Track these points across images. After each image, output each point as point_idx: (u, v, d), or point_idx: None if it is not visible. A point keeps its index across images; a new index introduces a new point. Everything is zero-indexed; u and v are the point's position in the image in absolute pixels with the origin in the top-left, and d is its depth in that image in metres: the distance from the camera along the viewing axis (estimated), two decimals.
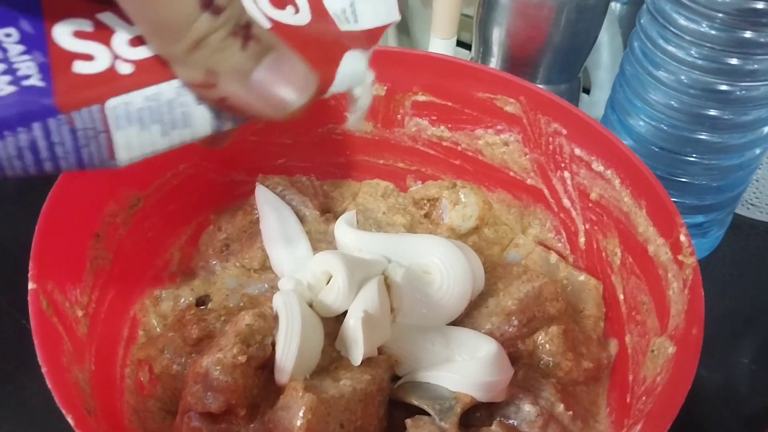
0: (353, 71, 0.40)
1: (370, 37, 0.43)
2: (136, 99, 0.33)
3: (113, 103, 0.33)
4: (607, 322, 0.66)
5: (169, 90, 0.34)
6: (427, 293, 0.61)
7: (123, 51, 0.34)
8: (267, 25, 0.37)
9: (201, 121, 0.36)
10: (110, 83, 0.33)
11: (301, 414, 0.51)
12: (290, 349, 0.55)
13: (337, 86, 0.40)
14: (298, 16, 0.39)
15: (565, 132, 0.68)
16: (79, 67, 0.33)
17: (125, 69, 0.33)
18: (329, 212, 0.72)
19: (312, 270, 0.62)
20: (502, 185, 0.75)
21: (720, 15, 0.63)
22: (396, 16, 0.44)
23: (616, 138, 0.64)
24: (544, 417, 0.57)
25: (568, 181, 0.69)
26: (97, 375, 0.55)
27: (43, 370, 0.46)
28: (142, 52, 0.34)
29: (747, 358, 0.77)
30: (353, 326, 0.56)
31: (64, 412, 0.44)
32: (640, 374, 0.58)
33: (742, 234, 0.88)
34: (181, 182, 0.71)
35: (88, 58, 0.33)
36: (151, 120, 0.35)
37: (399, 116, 0.76)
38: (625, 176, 0.63)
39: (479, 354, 0.58)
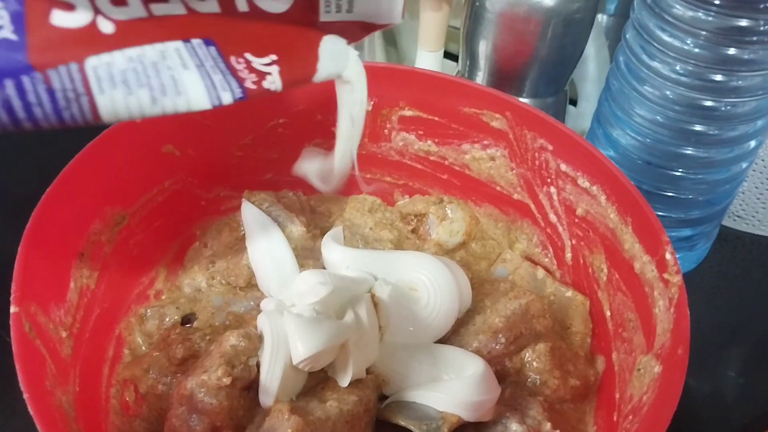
0: (333, 50, 0.39)
1: (357, 31, 0.42)
2: (118, 59, 0.31)
3: (93, 63, 0.30)
4: (594, 339, 0.66)
5: (152, 52, 0.32)
6: (414, 311, 0.61)
7: (105, 7, 0.31)
8: (245, 8, 0.36)
9: (194, 89, 0.34)
10: (90, 40, 0.30)
11: None
12: (275, 370, 0.55)
13: (324, 68, 0.39)
14: (276, 4, 0.38)
15: (551, 147, 0.68)
16: (58, 19, 0.30)
17: (107, 27, 0.31)
18: (316, 228, 0.72)
19: (297, 289, 0.62)
20: (489, 200, 0.75)
21: (703, 33, 0.63)
22: (397, 18, 0.42)
23: (602, 154, 0.64)
24: None
25: (555, 197, 0.69)
26: (82, 396, 0.55)
27: (25, 396, 0.45)
28: (125, 13, 0.32)
29: (734, 370, 0.77)
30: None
31: None
32: (626, 392, 0.58)
33: (728, 245, 0.88)
34: (167, 198, 0.70)
35: (68, 7, 0.30)
36: (138, 84, 0.32)
37: (386, 131, 0.76)
38: (611, 192, 0.64)
39: (466, 373, 0.58)
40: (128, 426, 0.60)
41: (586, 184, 0.66)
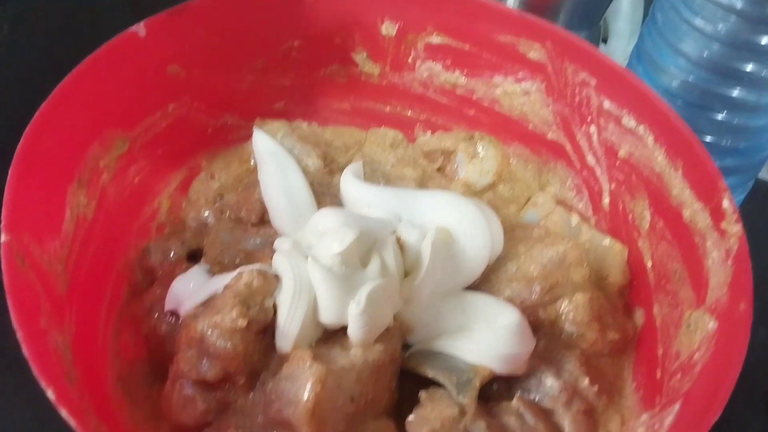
0: None
1: None
2: None
3: None
4: (633, 291, 0.61)
5: None
6: (442, 255, 0.56)
7: None
8: None
9: None
10: None
11: (309, 386, 0.46)
12: (296, 315, 0.50)
13: None
14: None
15: (594, 82, 0.62)
16: None
17: None
18: (333, 163, 0.66)
19: (314, 228, 0.57)
20: (520, 139, 0.69)
21: None
22: None
23: (653, 92, 0.59)
24: (568, 392, 0.52)
25: (594, 137, 0.64)
26: (79, 338, 0.50)
27: (19, 335, 0.40)
28: None
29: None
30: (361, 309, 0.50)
31: (42, 384, 0.38)
32: (671, 348, 0.53)
33: (763, 198, 0.84)
34: (170, 124, 0.64)
35: None
36: None
37: (410, 59, 0.70)
38: (660, 134, 0.58)
39: (499, 323, 0.53)
40: (128, 370, 0.55)
41: (632, 124, 0.60)
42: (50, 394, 0.38)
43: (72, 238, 0.53)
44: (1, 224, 0.45)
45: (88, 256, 0.55)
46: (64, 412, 0.38)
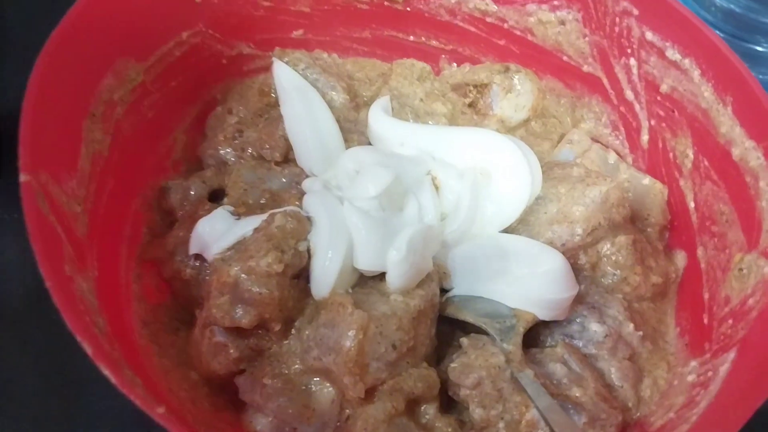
0: None
1: None
2: None
3: None
4: (673, 232, 0.59)
5: None
6: (480, 196, 0.53)
7: None
8: None
9: None
10: None
11: (351, 334, 0.44)
12: (333, 260, 0.47)
13: None
14: None
15: (636, 12, 0.58)
16: None
17: None
18: (358, 97, 0.63)
19: (344, 167, 0.54)
20: (553, 71, 0.65)
21: None
22: None
23: (702, 22, 0.55)
24: (613, 338, 0.51)
25: (634, 70, 0.60)
26: (102, 282, 0.47)
27: (48, 284, 0.37)
28: None
29: None
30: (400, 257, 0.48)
31: (78, 337, 0.36)
32: (719, 293, 0.52)
33: None
34: (184, 54, 0.60)
35: None
36: None
37: None
38: (707, 67, 0.55)
39: (542, 268, 0.51)
40: (152, 315, 0.52)
41: (677, 57, 0.57)
42: (87, 348, 0.36)
43: (89, 177, 0.50)
44: (21, 163, 0.41)
45: (105, 196, 0.52)
46: (103, 368, 0.35)
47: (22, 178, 0.41)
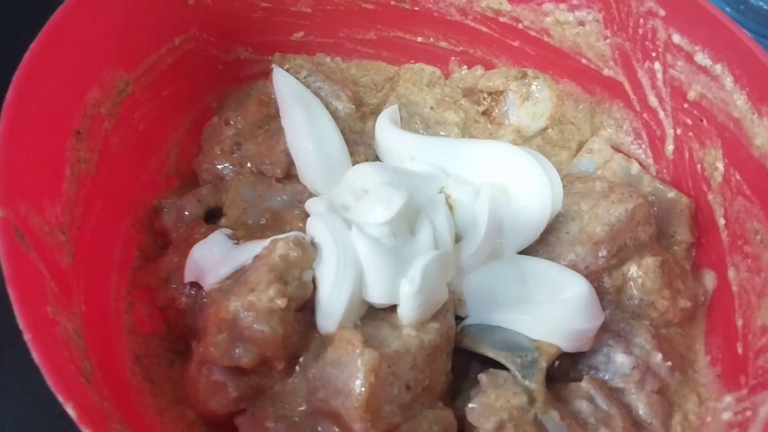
0: None
1: None
2: None
3: None
4: (701, 250, 0.55)
5: None
6: (497, 215, 0.50)
7: None
8: None
9: None
10: None
11: (361, 376, 0.41)
12: (342, 290, 0.43)
13: None
14: None
15: (662, 13, 0.54)
16: None
17: None
18: (364, 106, 0.59)
19: (350, 185, 0.50)
20: (571, 75, 0.61)
21: None
22: None
23: (736, 25, 0.51)
24: (641, 369, 0.47)
25: (659, 75, 0.56)
26: (90, 318, 0.43)
27: (26, 337, 0.34)
28: None
29: None
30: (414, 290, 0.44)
31: (61, 399, 0.32)
32: (755, 320, 0.48)
33: None
34: (177, 60, 0.56)
35: None
36: None
37: None
38: (741, 74, 0.51)
39: (565, 295, 0.47)
40: (145, 347, 0.49)
41: (707, 62, 0.53)
42: (70, 410, 0.32)
43: (74, 201, 0.46)
44: None
45: (92, 219, 0.48)
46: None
47: None
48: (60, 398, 0.32)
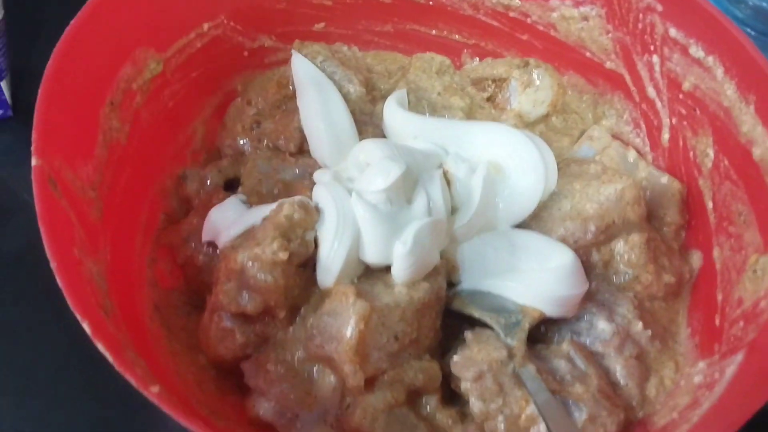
0: None
1: None
2: None
3: None
4: (690, 232, 0.58)
5: None
6: (492, 191, 0.53)
7: None
8: None
9: None
10: None
11: (352, 323, 0.44)
12: (339, 250, 0.48)
13: None
14: None
15: (660, 8, 0.57)
16: None
17: None
18: (375, 90, 0.63)
19: (355, 160, 0.54)
20: (575, 67, 0.65)
21: None
22: None
23: (728, 20, 0.54)
24: (620, 336, 0.50)
25: (657, 67, 0.59)
26: (114, 267, 0.48)
27: (53, 265, 0.38)
28: None
29: None
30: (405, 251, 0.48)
31: (78, 316, 0.37)
32: (733, 294, 0.50)
33: None
34: (205, 45, 0.61)
35: None
36: None
37: None
38: (731, 65, 0.54)
39: (551, 264, 0.50)
40: (165, 299, 0.53)
41: (700, 54, 0.55)
42: (86, 326, 0.37)
43: (105, 163, 0.51)
44: (33, 147, 0.42)
45: (121, 183, 0.53)
46: (100, 346, 0.36)
47: (34, 162, 0.42)
48: (77, 315, 0.37)
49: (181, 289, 0.55)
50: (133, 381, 0.35)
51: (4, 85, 0.66)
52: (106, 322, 0.40)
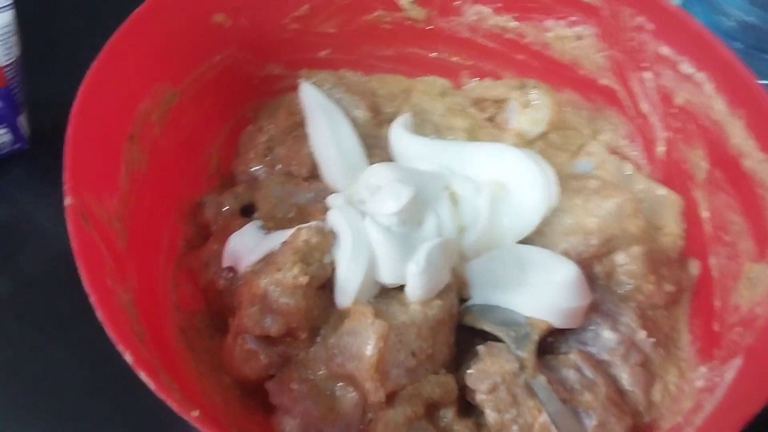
0: None
1: None
2: None
3: None
4: (687, 241, 0.60)
5: None
6: (497, 209, 0.56)
7: None
8: None
9: None
10: None
11: (372, 342, 0.47)
12: (356, 271, 0.50)
13: None
14: None
15: (651, 27, 0.60)
16: None
17: None
18: (380, 114, 0.65)
19: (366, 182, 0.56)
20: (572, 85, 0.67)
21: None
22: None
23: (715, 37, 0.57)
24: (626, 344, 0.53)
25: (649, 84, 0.62)
26: (141, 293, 0.50)
27: (92, 299, 0.41)
28: None
29: None
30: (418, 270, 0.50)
31: (120, 347, 0.39)
32: (730, 301, 0.53)
33: None
34: (217, 75, 0.63)
35: None
36: None
37: (456, 3, 0.68)
38: (721, 81, 0.56)
39: (556, 277, 0.53)
40: (189, 322, 0.56)
41: (691, 71, 0.58)
42: (128, 357, 0.39)
43: (128, 194, 0.53)
44: (66, 187, 0.45)
45: (144, 211, 0.55)
46: (142, 375, 0.39)
47: (67, 201, 0.44)
48: (119, 347, 0.39)
49: (203, 312, 0.57)
50: (174, 406, 0.38)
51: (22, 119, 0.68)
52: (141, 350, 0.43)
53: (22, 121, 0.68)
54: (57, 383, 0.59)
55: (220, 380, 0.52)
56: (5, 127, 0.67)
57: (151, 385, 0.38)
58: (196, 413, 0.38)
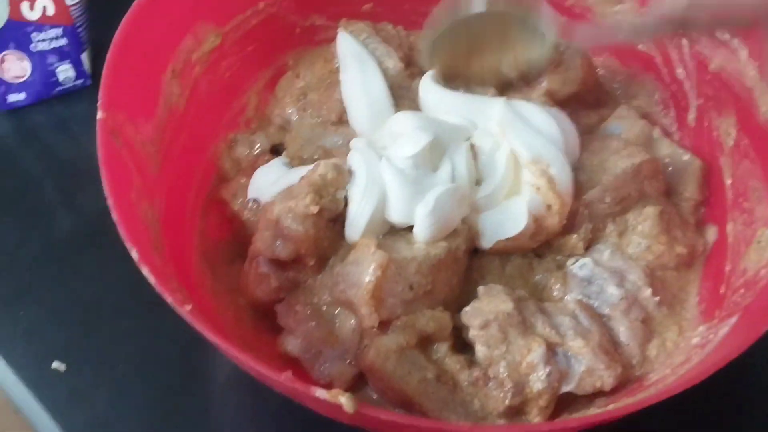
0: None
1: None
2: None
3: None
4: (708, 207, 0.60)
5: None
6: (515, 167, 0.57)
7: None
8: None
9: None
10: None
11: (371, 270, 0.49)
12: (365, 207, 0.52)
13: None
14: None
15: None
16: None
17: None
18: (415, 67, 0.67)
19: (389, 130, 0.58)
20: (610, 49, 0.68)
21: None
22: None
23: None
24: (628, 300, 0.53)
25: (686, 49, 0.62)
26: (168, 214, 0.54)
27: (109, 201, 0.44)
28: None
29: None
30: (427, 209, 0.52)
31: (127, 244, 0.43)
32: (740, 265, 0.53)
33: None
34: (261, 22, 0.66)
35: None
36: None
37: None
38: (754, 48, 0.55)
39: None
40: (212, 249, 0.59)
41: (725, 37, 0.58)
42: (133, 254, 0.42)
43: (165, 124, 0.57)
44: (99, 102, 0.49)
45: (179, 143, 0.59)
46: (144, 270, 0.42)
47: (99, 115, 0.49)
48: (127, 243, 0.43)
49: (228, 240, 0.61)
50: (170, 299, 0.41)
51: (85, 56, 0.73)
52: (153, 255, 0.46)
53: (85, 58, 0.73)
54: (113, 312, 0.61)
55: (235, 300, 0.56)
56: (69, 63, 0.72)
57: (152, 279, 0.41)
58: (188, 307, 0.41)
